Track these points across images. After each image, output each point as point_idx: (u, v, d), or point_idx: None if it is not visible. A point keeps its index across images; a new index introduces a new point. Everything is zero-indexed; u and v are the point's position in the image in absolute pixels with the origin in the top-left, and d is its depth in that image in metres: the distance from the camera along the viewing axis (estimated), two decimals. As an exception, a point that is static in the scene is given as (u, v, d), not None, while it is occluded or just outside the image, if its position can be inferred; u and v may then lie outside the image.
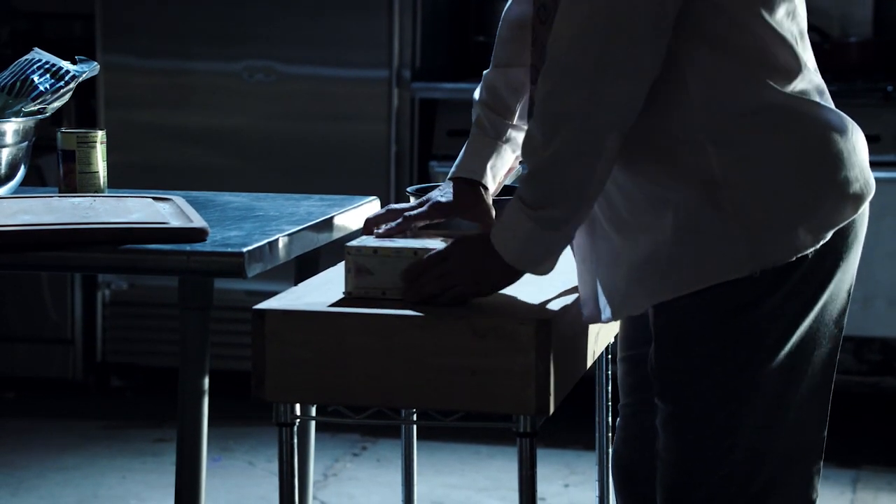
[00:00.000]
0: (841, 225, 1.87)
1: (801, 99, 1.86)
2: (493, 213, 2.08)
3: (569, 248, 1.97)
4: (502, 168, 2.12)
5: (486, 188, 2.09)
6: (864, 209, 1.91)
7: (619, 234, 1.91)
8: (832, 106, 1.91)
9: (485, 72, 2.17)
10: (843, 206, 1.87)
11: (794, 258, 1.84)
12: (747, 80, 1.84)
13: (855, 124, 1.92)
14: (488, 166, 2.09)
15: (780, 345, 1.87)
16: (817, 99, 1.89)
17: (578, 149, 1.81)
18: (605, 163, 1.82)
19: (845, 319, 1.94)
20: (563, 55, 1.79)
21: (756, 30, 1.84)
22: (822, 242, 1.85)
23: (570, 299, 2.02)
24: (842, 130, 1.88)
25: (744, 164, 1.84)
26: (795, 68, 1.87)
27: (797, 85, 1.87)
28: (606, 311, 1.97)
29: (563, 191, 1.83)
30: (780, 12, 1.86)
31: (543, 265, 1.89)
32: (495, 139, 2.11)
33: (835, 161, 1.86)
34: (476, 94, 2.16)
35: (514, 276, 1.91)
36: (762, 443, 1.89)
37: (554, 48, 1.81)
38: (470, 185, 2.08)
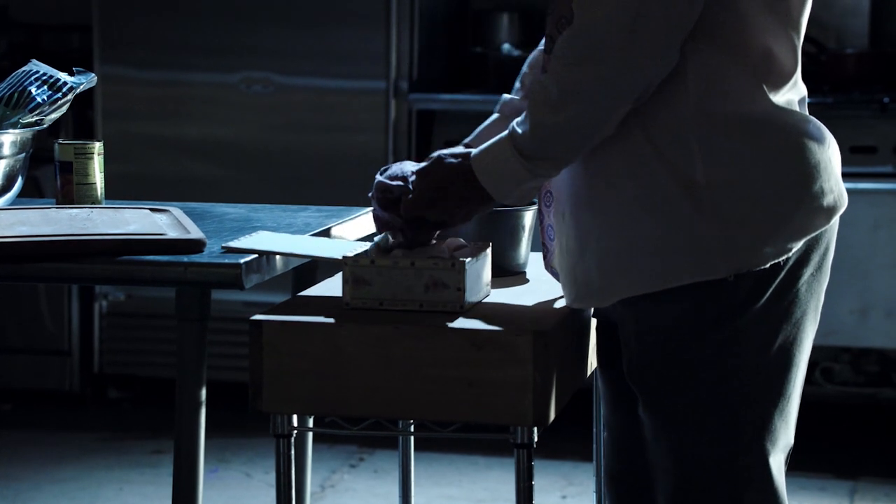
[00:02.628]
0: (813, 234, 1.89)
1: (787, 109, 1.88)
2: None
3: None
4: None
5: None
6: (835, 221, 1.93)
7: (592, 221, 1.92)
8: (806, 112, 1.93)
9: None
10: (817, 215, 1.88)
11: (769, 265, 1.85)
12: (746, 84, 1.85)
13: (831, 135, 1.93)
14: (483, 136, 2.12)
15: (764, 353, 1.89)
16: (798, 108, 1.91)
17: (590, 119, 1.83)
18: (606, 131, 1.85)
19: (816, 329, 1.96)
20: (595, 23, 1.80)
21: (765, 32, 1.85)
22: (794, 251, 1.87)
23: (568, 310, 2.02)
24: (820, 140, 1.90)
25: (726, 168, 1.85)
26: (791, 72, 1.89)
27: (787, 92, 1.89)
28: (569, 297, 1.99)
29: (560, 150, 1.86)
30: (804, 15, 1.88)
31: (527, 199, 1.93)
32: (497, 113, 2.15)
33: (812, 171, 1.88)
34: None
35: (489, 205, 1.94)
36: (759, 445, 1.90)
37: (585, 14, 1.81)
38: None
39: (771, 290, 1.87)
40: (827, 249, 1.93)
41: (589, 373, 2.18)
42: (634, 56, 1.79)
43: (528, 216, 2.24)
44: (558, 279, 2.10)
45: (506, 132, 1.89)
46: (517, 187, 1.89)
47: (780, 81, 1.88)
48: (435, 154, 1.96)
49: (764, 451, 1.90)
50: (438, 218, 1.95)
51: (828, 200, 1.89)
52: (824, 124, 1.94)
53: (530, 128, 1.85)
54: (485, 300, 2.06)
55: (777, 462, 1.92)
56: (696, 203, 1.85)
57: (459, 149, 1.98)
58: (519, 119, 1.87)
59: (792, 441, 1.95)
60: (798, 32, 1.90)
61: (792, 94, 1.90)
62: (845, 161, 2.02)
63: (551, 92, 1.83)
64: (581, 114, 1.83)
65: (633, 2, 1.77)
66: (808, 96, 1.98)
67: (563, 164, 1.88)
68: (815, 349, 1.98)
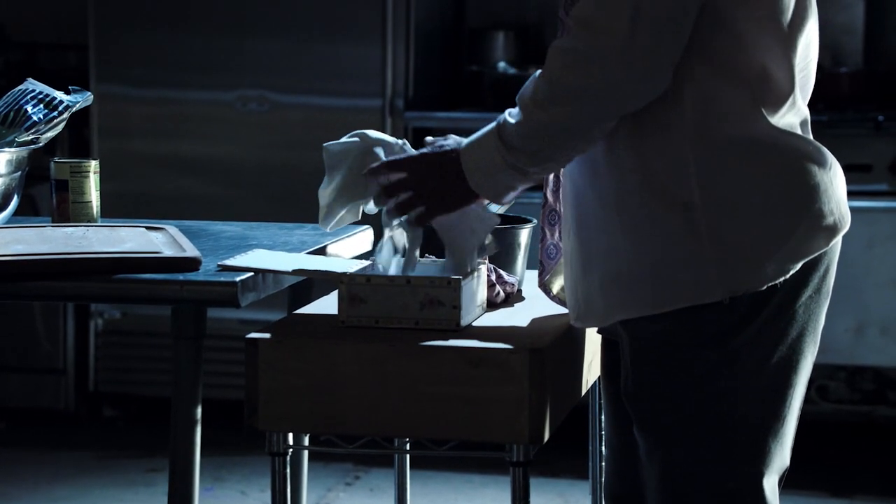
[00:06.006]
0: (812, 256, 1.88)
1: (785, 131, 1.88)
2: None
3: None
4: None
5: None
6: (837, 242, 1.92)
7: (593, 243, 1.93)
8: (811, 137, 1.92)
9: None
10: (815, 237, 1.88)
11: (765, 287, 1.85)
12: (743, 106, 1.86)
13: (834, 158, 1.93)
14: None
15: (758, 375, 1.88)
16: (799, 131, 1.91)
17: (572, 125, 1.85)
18: (586, 143, 1.87)
19: (817, 349, 1.95)
20: (588, 36, 1.81)
21: (762, 52, 1.86)
22: (791, 273, 1.87)
23: (563, 328, 2.02)
24: (821, 163, 1.89)
25: (722, 191, 1.85)
26: (788, 92, 1.88)
27: (786, 114, 1.88)
28: (572, 316, 2.00)
29: (540, 149, 1.88)
30: (801, 35, 1.89)
31: (502, 197, 1.94)
32: None
33: (811, 193, 1.88)
34: None
35: (473, 199, 1.95)
36: (752, 467, 1.89)
37: (579, 25, 1.82)
38: None
39: (766, 311, 1.87)
40: (827, 271, 1.93)
41: (585, 390, 2.18)
42: (623, 75, 1.80)
43: (525, 234, 2.25)
44: (550, 297, 2.11)
45: (494, 122, 1.91)
46: (495, 179, 1.90)
47: (778, 102, 1.88)
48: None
49: (757, 473, 1.89)
50: (427, 212, 1.96)
51: (827, 222, 1.89)
52: (819, 143, 1.94)
53: (517, 120, 1.88)
54: (481, 318, 2.06)
55: (770, 484, 1.91)
56: (692, 225, 1.85)
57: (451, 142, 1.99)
58: (512, 110, 1.90)
59: (787, 462, 1.94)
60: (794, 52, 1.90)
61: (792, 117, 1.90)
62: (839, 180, 2.01)
63: (541, 90, 1.86)
64: (565, 118, 1.85)
65: (626, 21, 1.79)
66: (803, 115, 1.98)
67: (538, 161, 1.88)
68: (810, 367, 1.97)
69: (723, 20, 1.84)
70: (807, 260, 1.88)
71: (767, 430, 1.90)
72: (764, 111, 1.86)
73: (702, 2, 1.82)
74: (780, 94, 1.88)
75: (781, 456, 1.92)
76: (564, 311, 2.08)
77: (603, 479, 2.17)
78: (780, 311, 1.88)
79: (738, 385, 1.88)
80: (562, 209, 2.03)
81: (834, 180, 1.91)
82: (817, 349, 1.95)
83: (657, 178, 1.86)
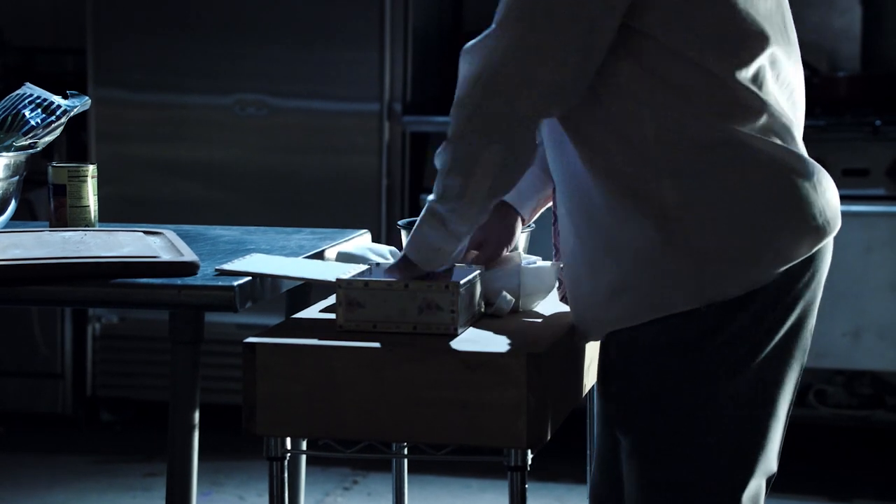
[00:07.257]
0: (796, 261, 1.88)
1: (760, 138, 1.87)
2: (514, 233, 2.15)
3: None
4: (528, 190, 2.15)
5: (513, 209, 2.16)
6: (826, 245, 1.92)
7: (579, 262, 1.95)
8: (797, 149, 1.91)
9: None
10: (798, 242, 1.88)
11: (745, 293, 1.86)
12: (700, 117, 1.86)
13: (818, 165, 1.93)
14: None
15: (737, 380, 1.88)
16: (777, 140, 1.89)
17: (455, 154, 1.89)
18: (481, 177, 1.88)
19: (806, 355, 1.95)
20: (466, 76, 1.90)
21: (719, 73, 1.85)
22: (773, 278, 1.87)
23: (562, 332, 2.02)
24: (799, 170, 1.88)
25: (698, 198, 1.86)
26: (756, 107, 1.88)
27: (758, 124, 1.88)
28: (576, 330, 2.02)
29: (448, 188, 1.90)
30: (752, 63, 1.87)
31: (431, 262, 1.96)
32: None
33: (790, 198, 1.88)
34: None
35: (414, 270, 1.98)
36: (730, 472, 1.90)
37: (467, 65, 1.92)
38: (499, 206, 2.14)
39: (745, 317, 1.87)
40: (813, 277, 1.92)
41: (583, 394, 2.18)
42: (487, 97, 1.86)
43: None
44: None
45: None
46: (424, 239, 1.94)
47: (744, 114, 1.87)
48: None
49: (734, 479, 1.89)
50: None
51: (811, 226, 1.89)
52: (817, 147, 1.94)
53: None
54: (479, 322, 2.06)
55: (750, 491, 1.91)
56: (670, 234, 1.86)
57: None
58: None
59: (773, 468, 1.94)
60: (748, 68, 1.87)
61: (771, 126, 1.89)
62: (837, 184, 2.01)
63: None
64: (452, 147, 1.88)
65: (491, 53, 1.88)
66: (800, 119, 1.98)
67: (450, 209, 1.90)
68: (808, 371, 1.98)
69: (669, 50, 1.84)
70: (789, 266, 1.88)
71: (747, 435, 1.90)
72: (733, 124, 1.85)
73: (594, 45, 1.83)
74: (747, 108, 1.86)
75: (765, 461, 1.92)
76: (562, 314, 2.09)
77: (589, 481, 2.17)
78: (759, 317, 1.88)
79: (717, 391, 1.88)
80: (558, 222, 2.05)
81: (818, 186, 1.91)
82: (807, 355, 1.95)
83: (631, 194, 1.87)
